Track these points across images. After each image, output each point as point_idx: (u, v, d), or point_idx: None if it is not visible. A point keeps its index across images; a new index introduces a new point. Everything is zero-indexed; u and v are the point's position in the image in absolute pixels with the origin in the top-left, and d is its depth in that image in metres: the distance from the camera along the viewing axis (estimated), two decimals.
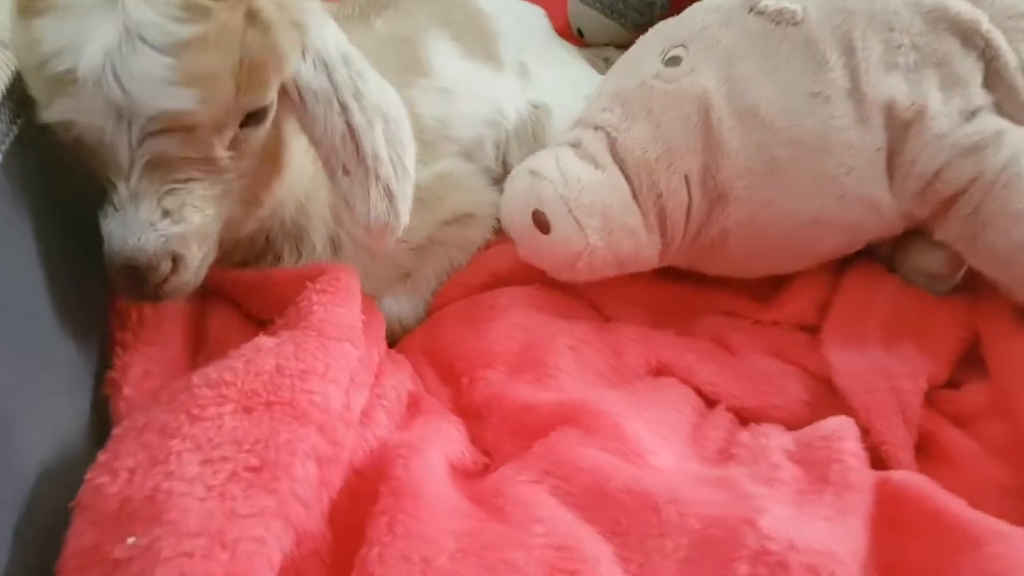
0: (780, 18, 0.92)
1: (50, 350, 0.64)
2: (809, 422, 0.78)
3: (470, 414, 0.81)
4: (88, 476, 0.54)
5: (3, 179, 0.61)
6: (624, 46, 1.40)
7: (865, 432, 0.76)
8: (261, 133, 0.71)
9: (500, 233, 1.07)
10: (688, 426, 0.81)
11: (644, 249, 0.91)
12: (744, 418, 0.84)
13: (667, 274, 1.00)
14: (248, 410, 0.59)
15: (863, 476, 0.69)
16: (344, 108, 0.74)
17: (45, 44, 0.61)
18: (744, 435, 0.78)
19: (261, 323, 0.80)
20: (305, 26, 0.72)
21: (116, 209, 0.64)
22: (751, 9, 0.95)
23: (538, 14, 1.36)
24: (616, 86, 0.96)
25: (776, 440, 0.74)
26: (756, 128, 0.89)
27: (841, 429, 0.73)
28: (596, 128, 0.93)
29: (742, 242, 0.93)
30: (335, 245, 0.91)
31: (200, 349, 0.78)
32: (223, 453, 0.55)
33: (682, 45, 0.95)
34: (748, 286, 1.01)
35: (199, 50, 0.62)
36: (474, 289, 0.98)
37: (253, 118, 0.68)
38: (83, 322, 0.69)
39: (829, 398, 0.85)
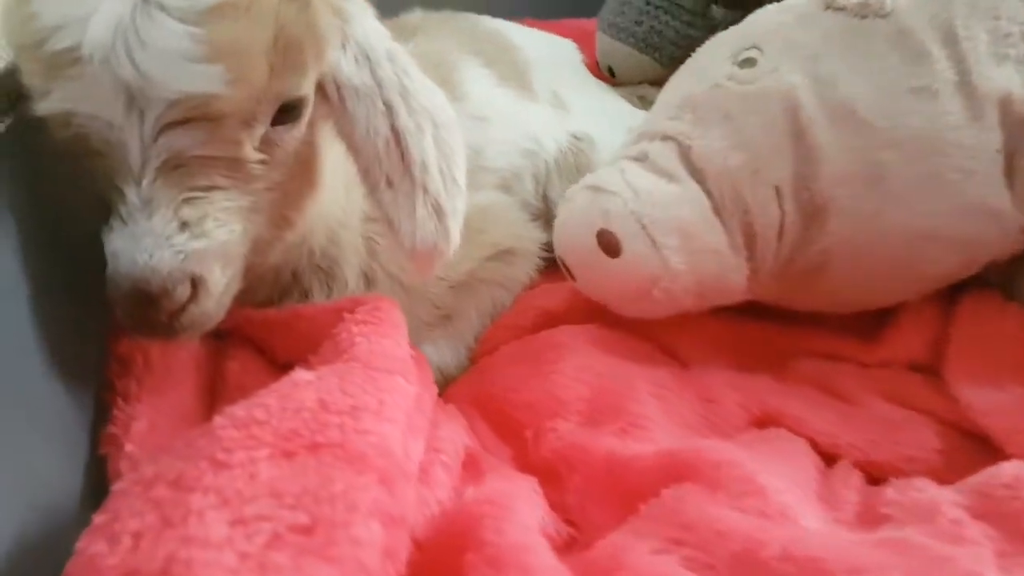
0: (865, 11, 0.81)
1: (33, 399, 0.51)
2: (947, 474, 0.64)
3: (541, 473, 0.65)
4: (80, 544, 0.39)
5: None
6: (659, 83, 1.32)
7: None
8: (295, 134, 0.59)
9: (545, 272, 0.94)
10: (814, 485, 0.65)
11: (730, 274, 0.77)
12: (870, 474, 0.69)
13: (750, 312, 0.86)
14: (288, 455, 0.44)
15: None
16: (389, 108, 0.63)
17: (43, 18, 0.50)
18: (890, 492, 0.62)
19: (288, 368, 0.65)
20: (347, 13, 0.62)
21: (124, 221, 0.52)
22: (828, 6, 0.84)
23: (570, 47, 1.27)
24: (682, 93, 0.83)
25: (937, 493, 0.59)
26: (854, 129, 0.76)
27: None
28: (664, 138, 0.80)
29: (844, 265, 0.79)
30: (368, 280, 0.78)
31: (216, 400, 0.64)
32: (259, 510, 0.40)
33: (755, 47, 0.84)
34: (845, 323, 0.87)
35: (228, 18, 0.51)
36: (524, 331, 0.84)
37: (287, 114, 0.57)
38: (75, 365, 0.57)
39: (966, 444, 0.71)
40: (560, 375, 0.73)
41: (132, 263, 0.51)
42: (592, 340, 0.78)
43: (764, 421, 0.75)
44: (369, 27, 0.64)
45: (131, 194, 0.52)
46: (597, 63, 1.34)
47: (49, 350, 0.53)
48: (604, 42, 1.31)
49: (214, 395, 0.64)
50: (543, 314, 0.85)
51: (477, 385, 0.77)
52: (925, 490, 0.61)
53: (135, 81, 0.49)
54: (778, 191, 0.77)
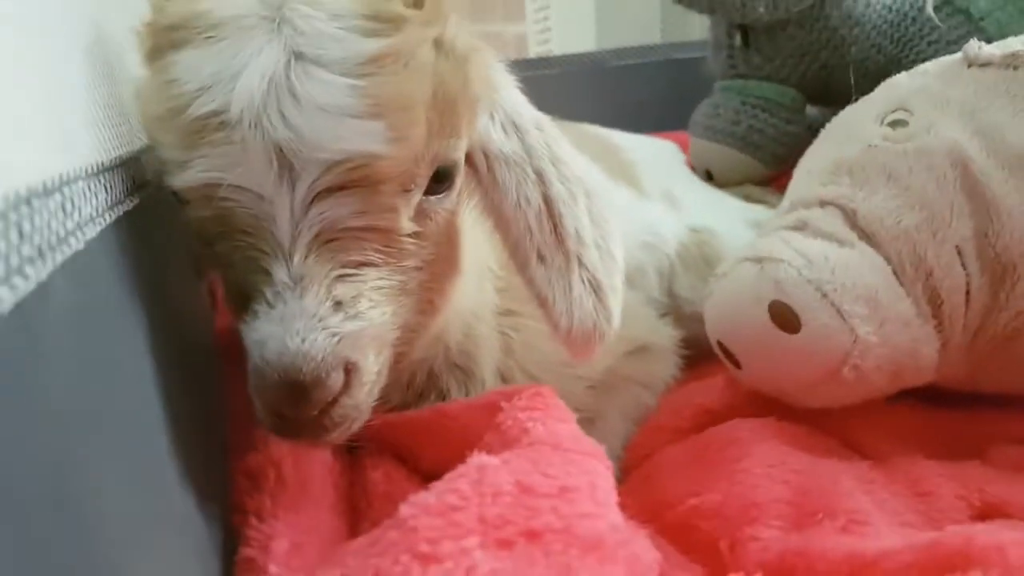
0: (1015, 62, 0.75)
1: (158, 523, 0.41)
2: None
3: None
4: None
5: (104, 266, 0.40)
6: (762, 183, 1.26)
7: None
8: (447, 206, 0.55)
9: (686, 371, 0.84)
10: None
11: (922, 347, 0.67)
12: None
13: (930, 400, 0.75)
14: (505, 544, 0.34)
15: None
16: (540, 177, 0.58)
17: (184, 82, 0.45)
18: None
19: (436, 477, 0.55)
20: (494, 82, 0.58)
21: (270, 304, 0.46)
22: (971, 64, 0.78)
23: (673, 148, 1.23)
24: (831, 159, 0.76)
25: None
26: None
27: None
28: (823, 204, 0.72)
29: None
30: (505, 379, 0.70)
31: (360, 517, 0.54)
32: None
33: (902, 108, 0.77)
34: None
35: (389, 71, 0.46)
36: (683, 433, 0.73)
37: (440, 183, 0.53)
38: (201, 484, 0.48)
39: None
40: (748, 474, 0.62)
41: (282, 348, 0.44)
42: (775, 433, 0.67)
43: (987, 512, 0.63)
44: (516, 96, 0.61)
45: (279, 272, 0.46)
46: (693, 170, 1.29)
47: (176, 469, 0.45)
48: (699, 146, 1.27)
49: (356, 512, 0.54)
50: (703, 412, 0.74)
51: (644, 495, 0.66)
52: None
53: (289, 142, 0.44)
54: (960, 251, 0.68)
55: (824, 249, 0.67)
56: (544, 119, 0.62)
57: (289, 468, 0.54)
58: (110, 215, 0.41)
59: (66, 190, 0.34)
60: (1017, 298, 0.68)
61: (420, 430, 0.58)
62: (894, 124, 0.76)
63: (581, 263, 0.58)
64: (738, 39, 1.22)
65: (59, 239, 0.32)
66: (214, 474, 0.54)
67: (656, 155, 1.14)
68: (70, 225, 0.33)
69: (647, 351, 0.82)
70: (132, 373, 0.42)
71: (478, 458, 0.42)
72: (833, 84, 1.21)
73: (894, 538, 0.54)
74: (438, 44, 0.51)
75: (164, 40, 0.48)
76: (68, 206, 0.34)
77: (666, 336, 0.85)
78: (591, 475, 0.41)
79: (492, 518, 0.35)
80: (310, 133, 0.44)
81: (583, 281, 0.58)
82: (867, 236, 0.69)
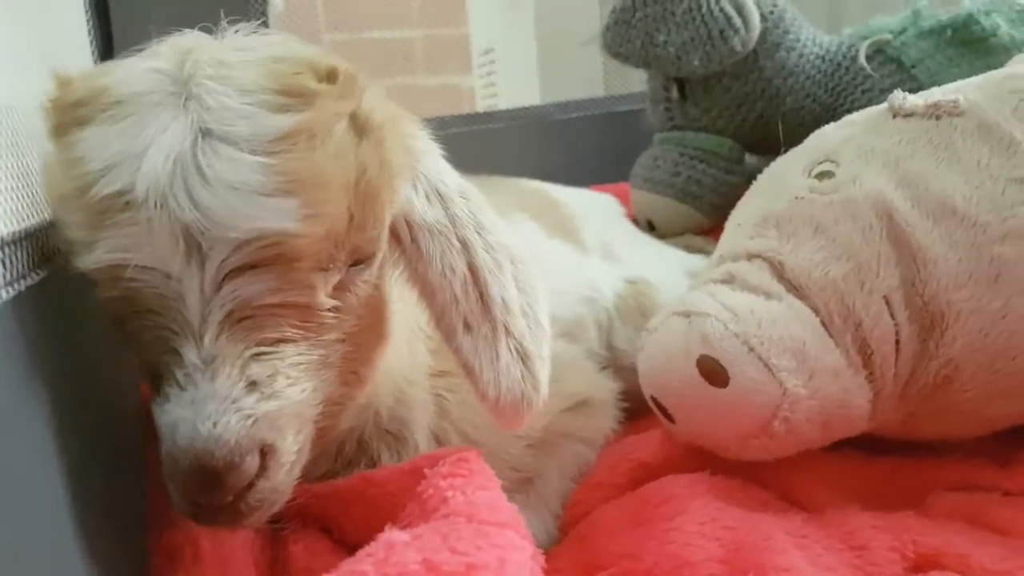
0: (937, 111, 0.77)
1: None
2: None
3: None
4: None
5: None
6: (703, 232, 1.28)
7: None
8: (367, 278, 0.53)
9: (625, 425, 0.84)
10: None
11: (854, 397, 0.67)
12: None
13: (867, 449, 0.76)
14: None
15: None
16: (465, 245, 0.57)
17: (89, 161, 0.44)
18: None
19: (358, 548, 0.54)
20: (416, 151, 0.57)
21: (181, 387, 0.44)
22: (895, 115, 0.80)
23: (611, 202, 1.24)
24: (759, 212, 0.77)
25: None
26: (959, 226, 0.69)
27: None
28: (750, 257, 0.73)
29: (975, 376, 0.69)
30: (440, 442, 0.69)
31: None
32: None
33: (828, 160, 0.79)
34: (974, 449, 0.76)
35: (303, 147, 0.45)
36: (620, 489, 0.72)
37: (361, 259, 0.52)
38: (113, 562, 0.45)
39: None
40: (681, 532, 0.61)
41: (193, 433, 0.43)
42: (708, 489, 0.66)
43: (922, 564, 0.62)
44: (439, 164, 0.60)
45: (190, 354, 0.44)
46: (635, 221, 1.30)
47: (84, 549, 0.43)
48: (640, 197, 1.28)
49: None
50: (639, 467, 0.74)
51: (579, 555, 0.64)
52: None
53: (197, 222, 0.43)
54: (888, 301, 0.69)
55: (751, 303, 0.68)
56: (469, 187, 0.61)
57: (207, 546, 0.53)
58: (9, 291, 0.40)
59: None
60: (946, 345, 0.69)
61: (346, 500, 0.57)
62: (821, 176, 0.78)
63: (508, 331, 0.57)
64: (675, 92, 1.24)
65: None
66: (131, 552, 0.52)
67: (595, 209, 1.15)
68: None
69: (587, 406, 0.81)
70: (34, 448, 0.40)
71: (388, 535, 0.41)
72: (770, 134, 1.23)
73: None
74: (354, 119, 0.50)
75: (69, 117, 0.47)
76: None
77: (605, 389, 0.85)
78: (502, 549, 0.40)
79: None
80: (219, 212, 0.43)
81: (510, 350, 0.57)
82: (795, 288, 0.70)
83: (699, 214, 1.24)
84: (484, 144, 1.47)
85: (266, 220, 0.44)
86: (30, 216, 0.48)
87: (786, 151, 0.87)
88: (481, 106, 2.21)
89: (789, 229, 0.73)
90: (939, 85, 1.15)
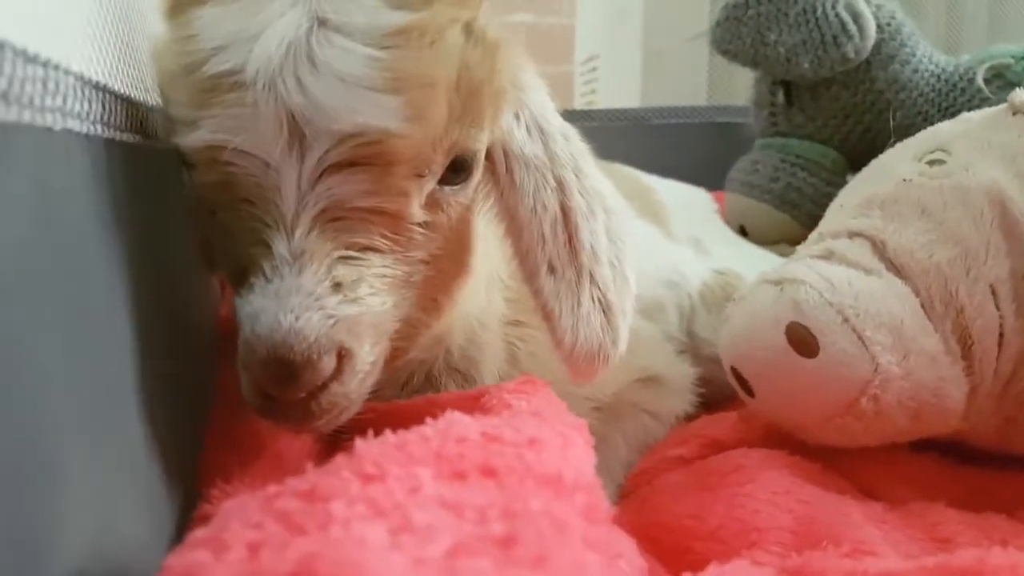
0: None
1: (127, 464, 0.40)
2: None
3: None
4: (169, 560, 0.27)
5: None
6: (798, 242, 1.23)
7: None
8: (461, 199, 0.52)
9: (701, 409, 0.81)
10: None
11: (949, 387, 0.63)
12: None
13: (956, 456, 0.71)
14: (459, 476, 0.31)
15: None
16: (561, 185, 0.56)
17: (202, 39, 0.44)
18: None
19: None
20: (523, 83, 0.56)
21: (268, 279, 0.43)
22: (1015, 112, 0.76)
23: (705, 197, 1.21)
24: (864, 195, 0.74)
25: None
26: None
27: None
28: (851, 235, 0.70)
29: None
30: None
31: None
32: (431, 519, 0.26)
33: (940, 149, 0.75)
34: None
35: (414, 47, 0.45)
36: (686, 463, 0.69)
37: (457, 173, 0.51)
38: (166, 436, 0.45)
39: None
40: (751, 499, 0.58)
41: (275, 324, 0.42)
42: (784, 465, 0.63)
43: None
44: (544, 100, 0.59)
45: (280, 246, 0.44)
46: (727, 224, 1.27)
47: (143, 420, 0.43)
48: (736, 201, 1.25)
49: None
50: (710, 443, 0.70)
51: (640, 516, 0.62)
52: None
53: (303, 109, 0.43)
54: (994, 292, 0.65)
55: (849, 275, 0.65)
56: (571, 130, 0.60)
57: (266, 439, 0.52)
58: (102, 129, 0.41)
59: (51, 71, 0.33)
60: None
61: (407, 418, 0.55)
62: (931, 163, 0.74)
63: (593, 280, 0.56)
64: (781, 96, 1.21)
65: (36, 105, 0.31)
66: (188, 438, 0.52)
67: (688, 202, 1.13)
68: (50, 102, 0.33)
69: (660, 382, 0.79)
70: (104, 302, 0.40)
71: (450, 414, 0.40)
72: (875, 148, 1.18)
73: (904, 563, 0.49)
74: (468, 29, 0.50)
75: None
76: (52, 85, 0.33)
77: (682, 372, 0.82)
78: (566, 437, 0.38)
79: (449, 455, 0.33)
80: (325, 101, 0.43)
81: (593, 299, 0.56)
82: (896, 268, 0.66)
83: (795, 223, 1.20)
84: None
85: (369, 115, 0.44)
86: (132, 87, 0.49)
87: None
88: (579, 103, 2.21)
89: (894, 210, 0.70)
90: None
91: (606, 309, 0.56)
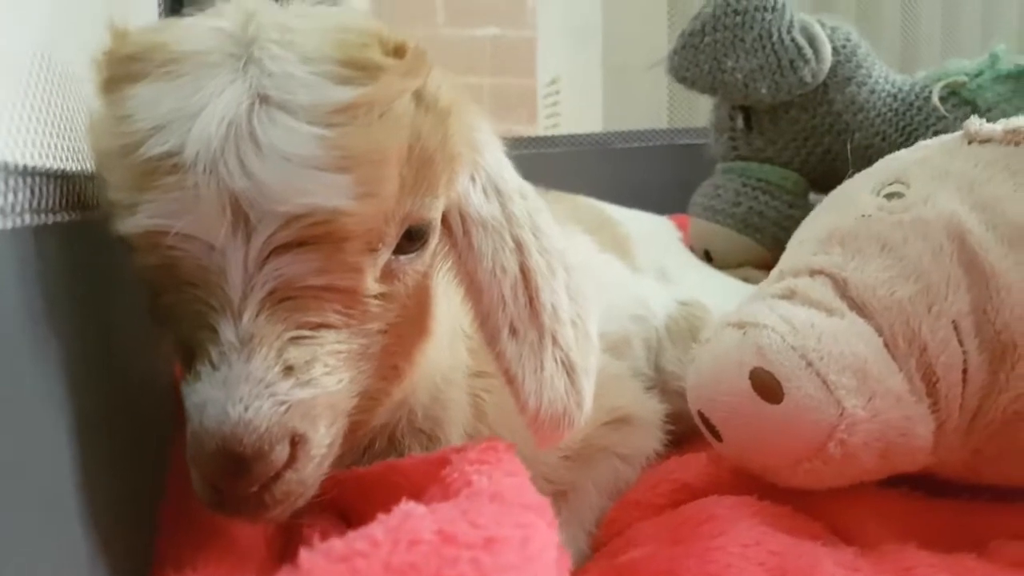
0: (1017, 138, 0.73)
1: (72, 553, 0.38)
2: None
3: None
4: None
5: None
6: (761, 265, 1.24)
7: None
8: (418, 267, 0.52)
9: (670, 447, 0.80)
10: None
11: (916, 426, 0.63)
12: None
13: (927, 489, 0.71)
14: None
15: None
16: (519, 245, 0.55)
17: (140, 119, 0.42)
18: None
19: None
20: (478, 143, 0.55)
21: (215, 366, 0.42)
22: (971, 140, 0.76)
23: (669, 225, 1.21)
24: (825, 229, 0.73)
25: None
26: None
27: None
28: (812, 273, 0.69)
29: None
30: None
31: None
32: None
33: (898, 181, 0.75)
34: None
35: (361, 122, 0.43)
36: (659, 509, 0.68)
37: (412, 242, 0.50)
38: (119, 522, 0.44)
39: None
40: (723, 552, 0.57)
41: (223, 416, 0.41)
42: (755, 512, 0.62)
43: None
44: (500, 160, 0.58)
45: (227, 332, 0.42)
46: (692, 250, 1.27)
47: (88, 510, 0.41)
48: (699, 226, 1.25)
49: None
50: (681, 488, 0.69)
51: (611, 572, 0.60)
52: None
53: (246, 192, 0.41)
54: (957, 327, 0.65)
55: (811, 317, 0.64)
56: (529, 188, 0.59)
57: (220, 522, 0.50)
58: (31, 217, 0.39)
59: None
60: (1017, 379, 0.64)
61: (367, 486, 0.54)
62: (890, 196, 0.74)
63: (555, 341, 0.55)
64: (740, 121, 1.22)
65: None
66: (140, 522, 0.50)
67: (652, 231, 1.12)
68: None
69: (629, 423, 0.78)
70: (40, 385, 0.39)
71: (405, 506, 0.38)
72: (836, 169, 1.20)
73: None
74: (418, 96, 0.48)
75: (121, 71, 0.45)
76: None
77: (651, 409, 0.81)
78: (526, 528, 0.37)
79: (399, 565, 0.31)
80: (271, 183, 0.41)
81: (556, 360, 0.54)
82: (858, 307, 0.66)
83: (758, 246, 1.20)
84: (542, 168, 1.46)
85: (319, 195, 0.42)
86: (69, 160, 0.47)
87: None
88: (542, 132, 2.22)
89: (855, 246, 0.70)
90: None
91: (570, 370, 0.55)
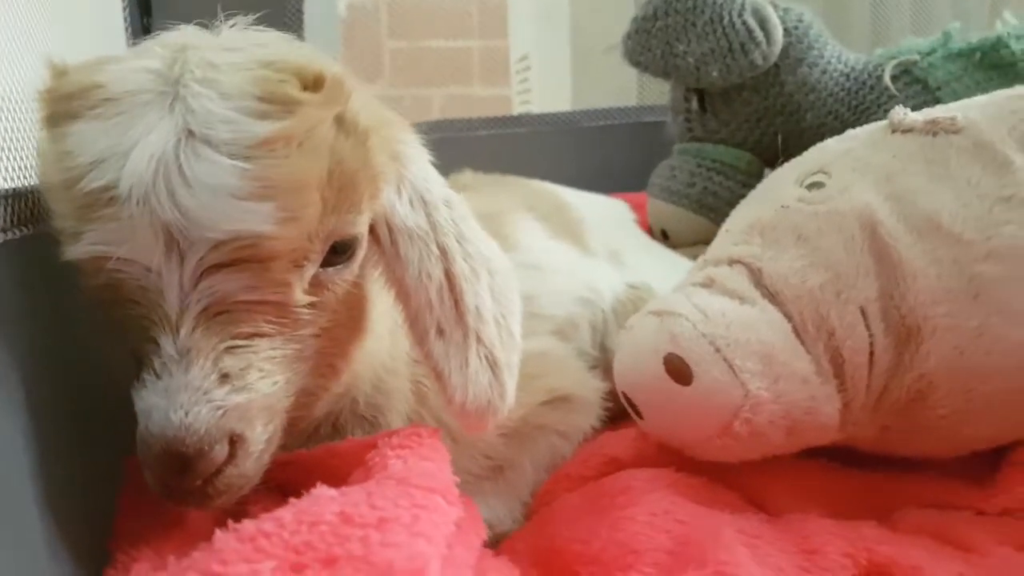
0: (935, 128, 0.77)
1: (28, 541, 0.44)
2: None
3: None
4: None
5: None
6: None
7: None
8: (346, 276, 0.56)
9: (608, 424, 0.85)
10: None
11: (821, 406, 0.68)
12: None
13: (844, 459, 0.76)
14: (297, 568, 0.35)
15: None
16: (444, 252, 0.59)
17: (79, 155, 0.47)
18: None
19: None
20: (403, 156, 0.59)
21: (157, 375, 0.47)
22: (894, 129, 0.80)
23: (622, 207, 1.25)
24: (748, 219, 0.78)
25: None
26: (943, 243, 0.69)
27: None
28: (731, 262, 0.74)
29: (950, 395, 0.69)
30: None
31: None
32: None
33: (821, 171, 0.79)
34: (953, 467, 0.75)
35: (280, 153, 0.47)
36: (587, 481, 0.74)
37: (339, 255, 0.54)
38: (74, 503, 0.50)
39: None
40: (632, 522, 0.62)
41: (165, 421, 0.46)
42: (669, 485, 0.68)
43: (873, 572, 0.62)
44: (426, 170, 0.62)
45: (166, 345, 0.47)
46: (650, 229, 1.31)
47: (46, 482, 0.46)
48: (656, 206, 1.29)
49: None
50: (609, 462, 0.75)
51: (536, 539, 0.66)
52: None
53: (176, 221, 0.46)
54: (864, 312, 0.69)
55: (724, 306, 0.69)
56: (454, 196, 0.63)
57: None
58: None
59: None
60: (920, 360, 0.69)
61: (307, 468, 0.59)
62: (811, 186, 0.78)
63: (480, 340, 0.59)
64: (695, 103, 1.25)
65: None
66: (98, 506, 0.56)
67: (605, 214, 1.16)
68: None
69: (569, 401, 0.83)
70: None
71: (317, 490, 0.43)
72: (789, 150, 1.23)
73: None
74: (339, 121, 0.52)
75: (62, 109, 0.49)
76: None
77: (590, 388, 0.86)
78: (420, 508, 0.42)
79: (297, 544, 0.37)
80: (198, 213, 0.46)
81: (480, 357, 0.59)
82: (771, 295, 0.71)
83: (714, 226, 1.24)
84: (512, 148, 1.50)
85: (242, 223, 0.46)
86: (20, 178, 0.52)
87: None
88: (516, 111, 2.24)
89: (773, 236, 0.74)
90: None
91: (493, 366, 0.60)
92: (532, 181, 1.12)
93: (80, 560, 0.49)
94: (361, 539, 0.38)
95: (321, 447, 0.61)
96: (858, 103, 1.21)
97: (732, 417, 0.65)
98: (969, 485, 0.74)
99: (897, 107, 0.82)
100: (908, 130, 0.79)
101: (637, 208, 1.34)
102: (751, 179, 1.25)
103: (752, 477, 0.72)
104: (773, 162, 1.27)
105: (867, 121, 1.20)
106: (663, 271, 1.05)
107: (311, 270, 0.52)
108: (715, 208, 1.24)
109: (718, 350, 0.66)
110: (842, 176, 0.77)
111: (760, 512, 0.70)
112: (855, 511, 0.71)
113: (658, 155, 1.39)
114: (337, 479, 0.57)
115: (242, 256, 0.47)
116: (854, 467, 0.77)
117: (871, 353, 0.69)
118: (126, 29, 1.02)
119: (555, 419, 0.81)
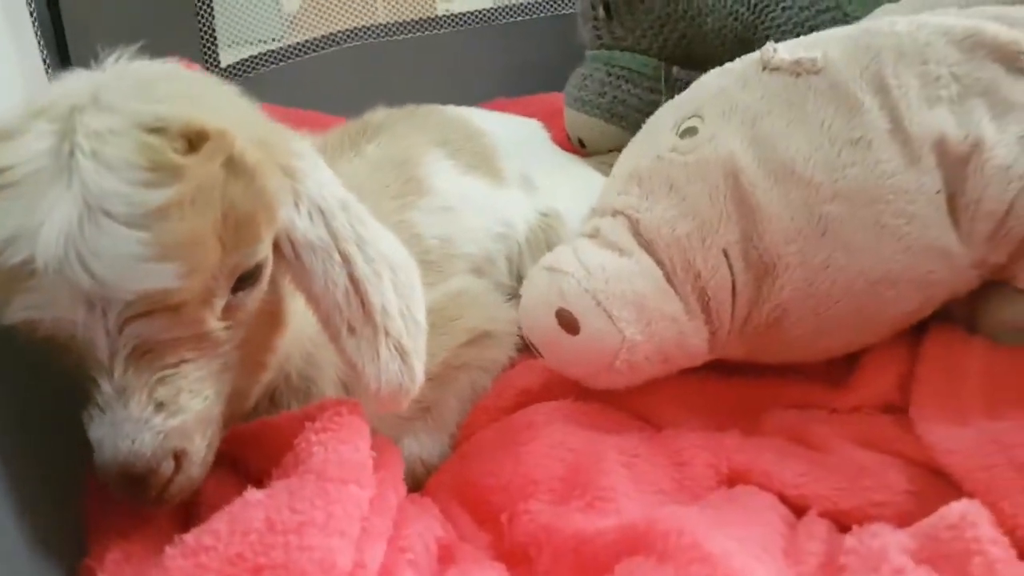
0: (798, 69, 0.84)
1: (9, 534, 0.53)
2: (918, 517, 0.64)
3: (515, 558, 0.67)
4: None
5: None
6: None
7: None
8: (256, 295, 0.61)
9: (524, 352, 0.96)
10: (780, 540, 0.66)
11: (690, 338, 0.79)
12: (841, 522, 0.70)
13: (721, 369, 0.88)
14: None
15: (1016, 569, 0.55)
16: (346, 259, 0.65)
17: None
18: (850, 540, 0.63)
19: (261, 482, 0.67)
20: (296, 171, 0.63)
21: (102, 410, 0.54)
22: (764, 67, 0.87)
23: (535, 126, 1.30)
24: (630, 167, 0.86)
25: (890, 539, 0.60)
26: (796, 186, 0.79)
27: (970, 514, 0.60)
28: (615, 214, 0.83)
29: (803, 318, 0.80)
30: (347, 390, 0.79)
31: (193, 520, 0.65)
32: None
33: (696, 115, 0.87)
34: (816, 371, 0.88)
35: (174, 217, 0.52)
36: (503, 412, 0.86)
37: (246, 280, 0.59)
38: (53, 497, 0.59)
39: (937, 485, 0.71)
40: (532, 454, 0.75)
41: (115, 450, 0.53)
42: (565, 416, 0.80)
43: (733, 479, 0.75)
44: (321, 180, 0.65)
45: (105, 384, 0.54)
46: (568, 137, 1.37)
47: (25, 480, 0.56)
48: (571, 116, 1.35)
49: (191, 516, 0.66)
50: (521, 393, 0.87)
51: (456, 473, 0.79)
52: (881, 535, 0.61)
53: (91, 287, 0.51)
54: (726, 254, 0.79)
55: (604, 260, 0.78)
56: (350, 198, 0.67)
57: None
58: None
59: None
60: (776, 292, 0.80)
61: (247, 441, 0.69)
62: (685, 133, 0.86)
63: (387, 333, 0.65)
64: (600, 10, 1.29)
65: None
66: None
67: (518, 136, 1.21)
68: None
69: (488, 337, 0.92)
70: None
71: (246, 494, 0.54)
72: (694, 53, 1.29)
73: (629, 514, 0.67)
74: (227, 164, 0.55)
75: None
76: None
77: (507, 320, 0.95)
78: (334, 504, 0.53)
79: (232, 556, 0.47)
80: (109, 279, 0.51)
81: (389, 348, 0.65)
82: (646, 244, 0.80)
83: (627, 133, 1.31)
84: (431, 51, 1.51)
85: (149, 282, 0.52)
86: None
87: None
88: (440, 10, 2.22)
89: (649, 187, 0.83)
90: (863, 5, 1.19)
91: (402, 354, 0.66)
92: (446, 109, 1.17)
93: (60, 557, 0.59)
94: (283, 546, 0.49)
95: (257, 421, 0.70)
96: (756, 1, 1.25)
97: (613, 358, 0.77)
98: (826, 387, 0.86)
99: (769, 43, 0.88)
100: (776, 68, 0.86)
101: (559, 112, 1.39)
102: (658, 84, 1.31)
103: (638, 397, 0.84)
104: (680, 64, 1.32)
105: (766, 19, 1.26)
106: (572, 194, 1.13)
107: (221, 302, 0.57)
108: (625, 117, 1.30)
109: (599, 303, 0.76)
110: (712, 121, 0.84)
111: (645, 428, 0.82)
112: (729, 417, 0.84)
113: (577, 48, 1.41)
114: (275, 452, 0.66)
115: (154, 307, 0.53)
116: (728, 376, 0.89)
117: (733, 290, 0.80)
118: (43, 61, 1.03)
119: (475, 355, 0.91)
